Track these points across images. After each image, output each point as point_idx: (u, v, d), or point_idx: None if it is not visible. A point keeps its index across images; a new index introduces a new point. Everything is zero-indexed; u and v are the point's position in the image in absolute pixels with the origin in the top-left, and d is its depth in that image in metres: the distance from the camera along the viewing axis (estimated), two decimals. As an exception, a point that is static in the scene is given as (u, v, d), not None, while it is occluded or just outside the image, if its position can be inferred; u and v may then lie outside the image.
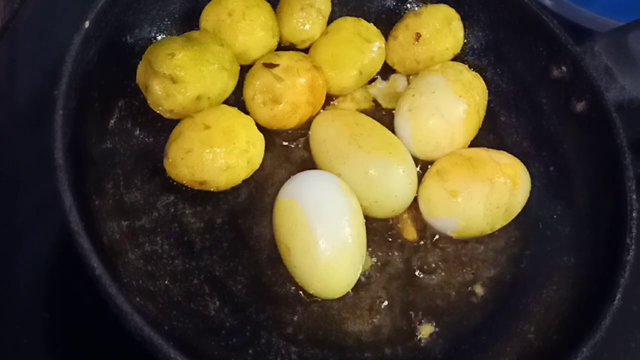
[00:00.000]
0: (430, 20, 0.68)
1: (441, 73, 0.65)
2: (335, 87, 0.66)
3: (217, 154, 0.56)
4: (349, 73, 0.66)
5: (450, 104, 0.63)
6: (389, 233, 0.61)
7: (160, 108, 0.58)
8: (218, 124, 0.57)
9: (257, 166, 0.60)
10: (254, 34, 0.64)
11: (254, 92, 0.62)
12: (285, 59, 0.62)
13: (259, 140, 0.60)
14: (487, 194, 0.58)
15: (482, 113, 0.66)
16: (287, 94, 0.61)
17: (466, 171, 0.59)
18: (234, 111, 0.60)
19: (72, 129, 0.50)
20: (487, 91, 0.67)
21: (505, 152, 0.63)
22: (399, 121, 0.64)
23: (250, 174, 0.60)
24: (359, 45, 0.67)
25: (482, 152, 0.62)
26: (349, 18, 0.69)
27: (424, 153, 0.64)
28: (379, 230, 0.61)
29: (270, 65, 0.62)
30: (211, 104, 0.60)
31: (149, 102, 0.59)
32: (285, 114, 0.62)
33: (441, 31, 0.68)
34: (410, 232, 0.62)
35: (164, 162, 0.58)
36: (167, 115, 0.59)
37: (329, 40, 0.67)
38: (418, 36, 0.68)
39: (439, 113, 0.62)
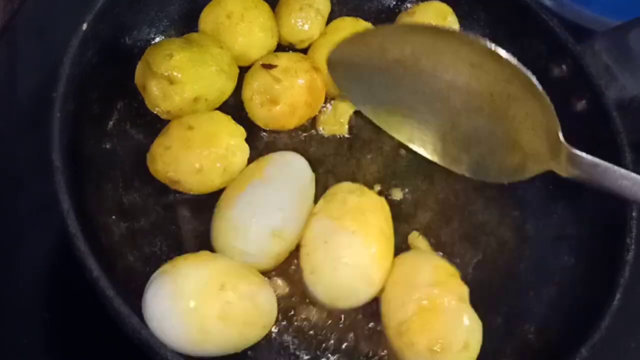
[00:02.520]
0: (424, 17, 0.67)
1: (325, 212, 0.55)
2: (334, 88, 0.66)
3: (192, 154, 0.55)
4: (348, 74, 0.66)
5: (347, 246, 0.53)
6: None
7: (157, 109, 0.58)
8: (202, 126, 0.57)
9: (234, 175, 0.57)
10: (252, 35, 0.64)
11: (252, 92, 0.62)
12: (284, 59, 0.62)
13: (241, 151, 0.58)
14: None
15: (390, 232, 0.56)
16: (285, 95, 0.61)
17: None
18: (225, 118, 0.59)
19: (70, 131, 0.49)
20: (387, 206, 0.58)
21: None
22: (309, 287, 0.55)
23: (227, 183, 0.57)
24: (358, 46, 0.66)
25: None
26: (347, 18, 0.69)
27: (350, 305, 0.55)
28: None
29: (268, 66, 0.61)
30: (209, 106, 0.60)
31: (146, 102, 0.59)
32: (284, 115, 0.62)
33: (437, 28, 0.68)
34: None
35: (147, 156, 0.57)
36: (164, 116, 0.59)
37: (328, 41, 0.66)
38: (417, 35, 0.67)
39: (342, 263, 0.52)
